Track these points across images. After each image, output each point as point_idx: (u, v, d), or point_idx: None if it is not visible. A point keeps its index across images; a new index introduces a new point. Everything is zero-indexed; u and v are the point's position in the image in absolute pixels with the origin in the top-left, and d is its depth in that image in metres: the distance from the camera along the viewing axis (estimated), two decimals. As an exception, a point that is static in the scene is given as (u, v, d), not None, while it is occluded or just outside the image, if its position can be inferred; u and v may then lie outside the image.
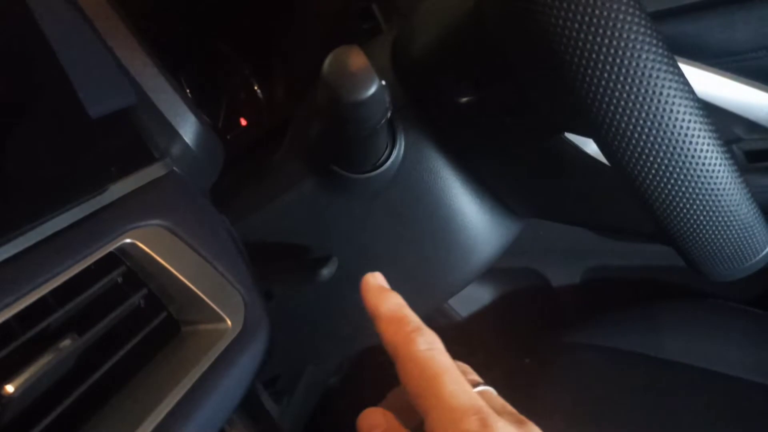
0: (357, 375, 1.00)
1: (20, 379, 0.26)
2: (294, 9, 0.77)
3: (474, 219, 0.51)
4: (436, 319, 1.08)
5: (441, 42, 0.43)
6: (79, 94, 0.34)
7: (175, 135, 0.42)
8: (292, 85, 0.77)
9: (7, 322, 0.28)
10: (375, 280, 0.33)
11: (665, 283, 0.98)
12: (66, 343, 0.29)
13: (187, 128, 0.42)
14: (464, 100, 0.44)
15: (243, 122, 0.75)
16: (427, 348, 0.28)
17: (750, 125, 0.81)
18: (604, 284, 1.03)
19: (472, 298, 1.08)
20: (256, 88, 0.77)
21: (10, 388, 0.26)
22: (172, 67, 0.68)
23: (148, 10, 0.64)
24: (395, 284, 0.54)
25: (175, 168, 0.42)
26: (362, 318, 0.58)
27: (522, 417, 0.29)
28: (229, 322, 0.35)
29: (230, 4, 0.78)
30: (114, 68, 0.38)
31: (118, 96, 0.38)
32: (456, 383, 0.27)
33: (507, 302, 1.08)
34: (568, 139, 0.44)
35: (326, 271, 0.49)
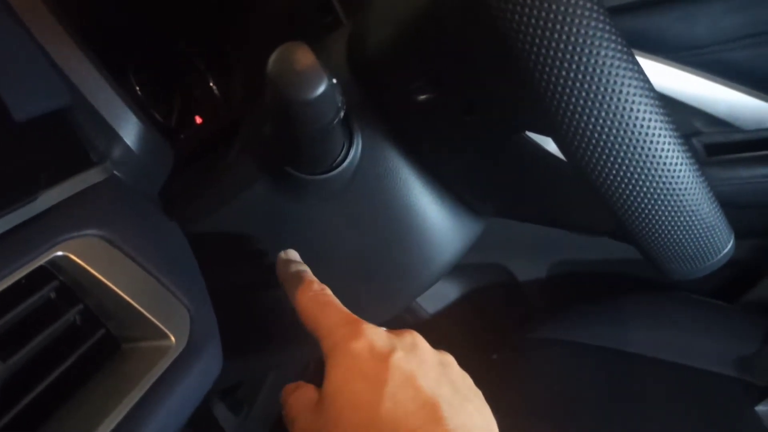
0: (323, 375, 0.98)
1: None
2: (252, 2, 0.74)
3: (435, 219, 0.50)
4: (403, 317, 1.07)
5: (398, 38, 0.41)
6: (2, 96, 0.31)
7: (115, 137, 0.39)
8: (250, 82, 0.75)
9: None
10: (286, 255, 0.40)
11: (630, 276, 0.99)
12: (-12, 368, 0.27)
13: (129, 129, 0.40)
14: (422, 97, 0.42)
15: (198, 120, 0.72)
16: (314, 293, 0.34)
17: (709, 119, 0.81)
18: (570, 278, 1.03)
19: (439, 295, 1.07)
20: (212, 84, 0.75)
21: None
22: (121, 63, 0.65)
23: (96, 5, 0.61)
24: (356, 288, 0.53)
25: (115, 172, 0.39)
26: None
27: (403, 330, 0.33)
28: (172, 339, 0.33)
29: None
30: (45, 67, 0.36)
31: (49, 97, 0.35)
32: (338, 309, 0.33)
33: (474, 298, 1.07)
34: (528, 137, 0.43)
35: (283, 276, 0.47)
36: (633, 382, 0.77)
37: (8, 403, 0.28)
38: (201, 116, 0.72)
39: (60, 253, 0.31)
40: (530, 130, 0.38)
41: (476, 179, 0.48)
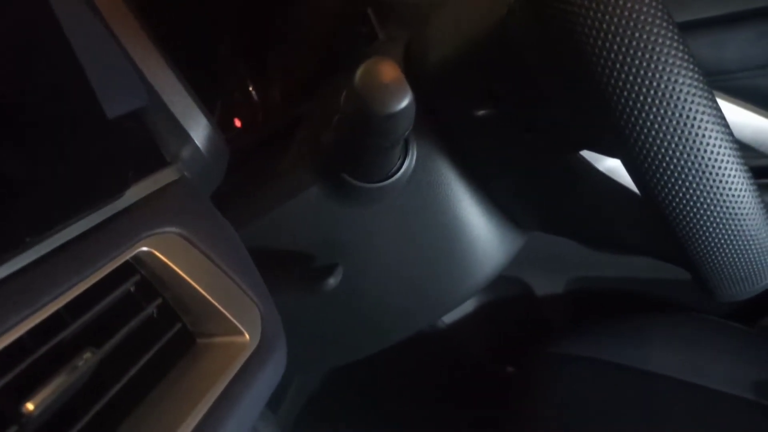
0: (343, 379, 0.98)
1: (40, 397, 0.25)
2: (291, 10, 0.76)
3: (481, 233, 0.51)
4: (420, 327, 1.08)
5: (462, 53, 0.43)
6: (97, 93, 0.32)
7: (186, 138, 0.40)
8: (288, 87, 0.76)
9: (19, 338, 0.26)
10: None
11: (647, 296, 1.00)
12: (87, 356, 0.27)
13: (199, 131, 0.41)
14: (481, 113, 0.43)
15: (237, 123, 0.73)
16: None
17: (736, 144, 0.83)
18: (587, 295, 1.04)
19: (456, 306, 1.08)
20: (251, 89, 0.76)
21: (30, 406, 0.24)
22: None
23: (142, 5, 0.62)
24: (399, 295, 0.54)
25: (185, 173, 0.40)
26: (361, 327, 0.57)
27: None
28: (247, 336, 0.34)
29: (226, 3, 0.77)
30: (127, 67, 0.37)
31: (131, 96, 0.36)
32: None
33: (491, 310, 1.08)
34: (582, 156, 0.44)
35: (332, 280, 0.48)
36: (651, 401, 0.78)
37: (96, 391, 0.29)
38: (240, 120, 0.74)
39: (145, 248, 0.32)
40: (591, 150, 0.39)
41: (526, 194, 0.49)
